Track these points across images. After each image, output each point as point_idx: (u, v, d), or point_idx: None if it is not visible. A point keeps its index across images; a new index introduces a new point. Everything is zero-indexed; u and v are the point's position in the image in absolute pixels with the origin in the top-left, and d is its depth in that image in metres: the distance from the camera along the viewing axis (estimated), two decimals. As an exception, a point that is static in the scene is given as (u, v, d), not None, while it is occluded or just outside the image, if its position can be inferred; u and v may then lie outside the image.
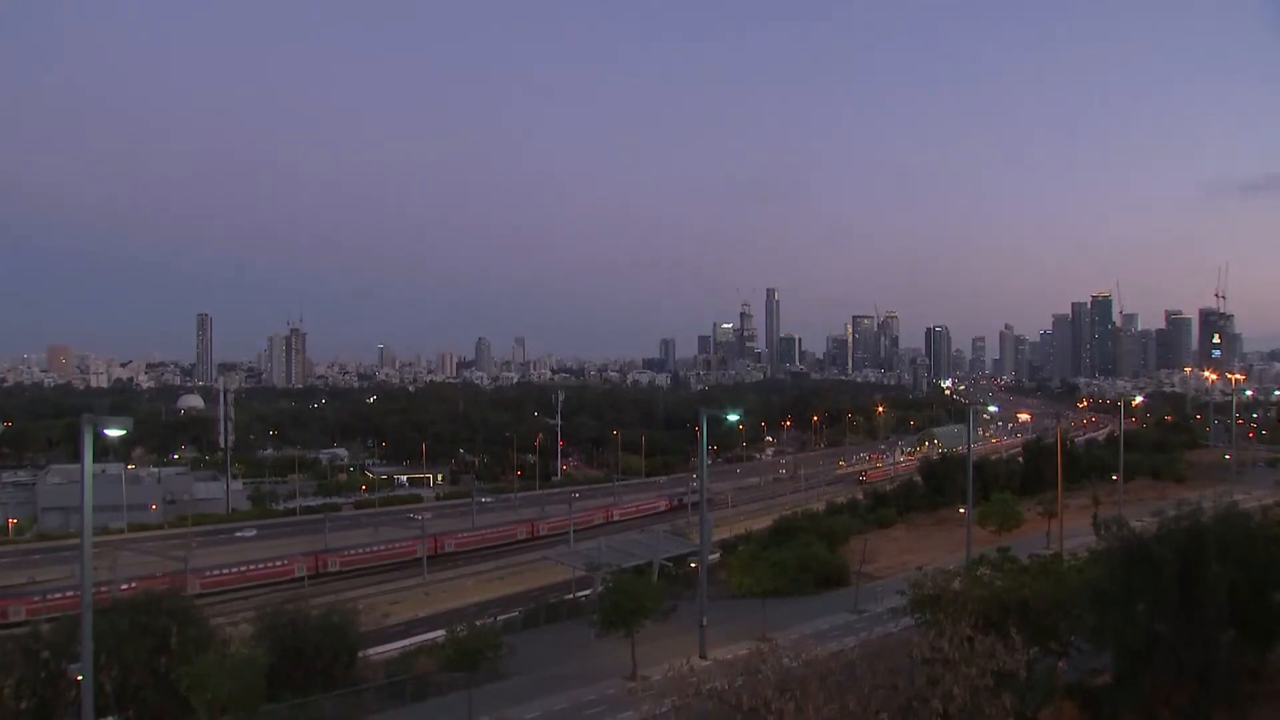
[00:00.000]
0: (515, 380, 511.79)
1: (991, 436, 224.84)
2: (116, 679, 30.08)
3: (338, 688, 35.56)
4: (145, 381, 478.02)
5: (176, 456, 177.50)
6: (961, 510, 65.07)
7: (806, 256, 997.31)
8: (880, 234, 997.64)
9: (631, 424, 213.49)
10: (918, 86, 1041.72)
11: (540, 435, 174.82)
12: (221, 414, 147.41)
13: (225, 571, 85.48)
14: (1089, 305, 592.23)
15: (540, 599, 72.59)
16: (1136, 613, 22.88)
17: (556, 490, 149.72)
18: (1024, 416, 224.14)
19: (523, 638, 48.68)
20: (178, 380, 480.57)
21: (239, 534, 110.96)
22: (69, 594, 76.98)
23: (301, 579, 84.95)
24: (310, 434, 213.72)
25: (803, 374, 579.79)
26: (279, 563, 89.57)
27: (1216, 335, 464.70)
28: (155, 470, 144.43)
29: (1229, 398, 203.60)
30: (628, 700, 25.01)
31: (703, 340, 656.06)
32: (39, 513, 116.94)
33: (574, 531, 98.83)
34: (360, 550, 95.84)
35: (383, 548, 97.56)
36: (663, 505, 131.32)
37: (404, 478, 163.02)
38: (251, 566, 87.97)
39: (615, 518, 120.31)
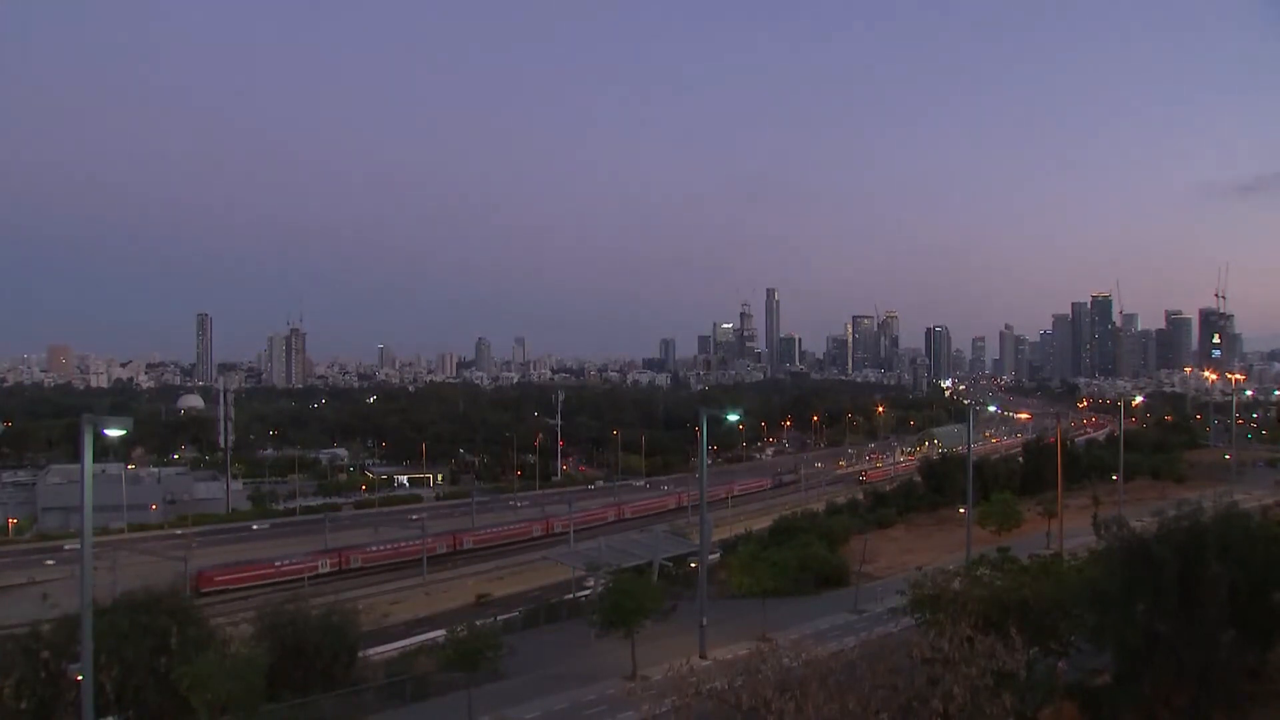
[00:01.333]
0: (515, 380, 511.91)
1: (992, 436, 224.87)
2: (116, 679, 29.99)
3: (338, 688, 35.49)
4: (145, 381, 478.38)
5: (176, 456, 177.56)
6: (961, 510, 65.07)
7: (806, 256, 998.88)
8: (880, 234, 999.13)
9: (631, 424, 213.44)
10: (917, 87, 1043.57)
11: (540, 435, 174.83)
12: (221, 414, 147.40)
13: (492, 530, 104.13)
14: (1089, 305, 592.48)
15: (540, 599, 72.63)
16: (1136, 613, 22.85)
17: (673, 476, 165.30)
18: (1023, 416, 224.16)
19: (523, 638, 48.65)
20: (178, 380, 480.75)
21: (254, 526, 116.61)
22: (399, 544, 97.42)
23: (540, 537, 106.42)
24: (310, 434, 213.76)
25: (803, 374, 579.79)
26: (524, 524, 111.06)
27: (1216, 335, 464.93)
28: (155, 470, 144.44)
29: (1229, 398, 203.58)
30: (628, 700, 24.95)
31: (703, 340, 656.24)
32: (39, 513, 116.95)
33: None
34: (578, 514, 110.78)
35: (592, 513, 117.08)
36: (768, 483, 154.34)
37: (404, 478, 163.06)
38: (507, 527, 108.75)
39: (736, 492, 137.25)
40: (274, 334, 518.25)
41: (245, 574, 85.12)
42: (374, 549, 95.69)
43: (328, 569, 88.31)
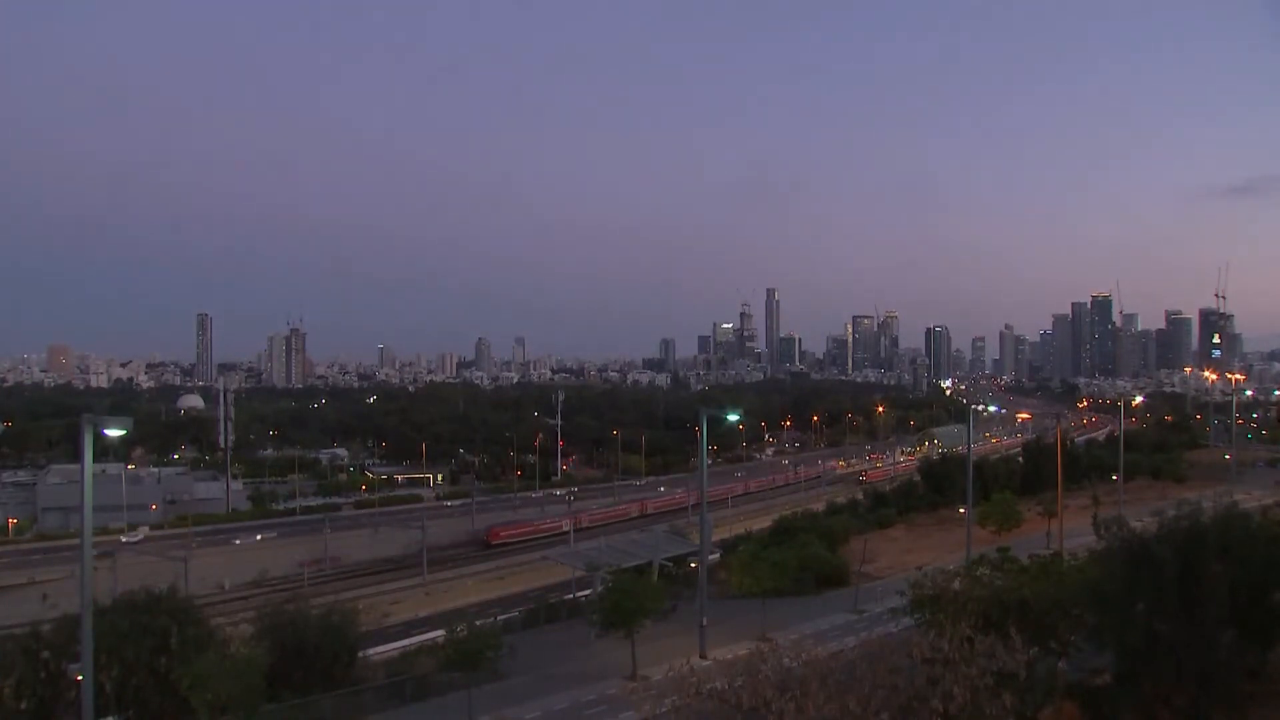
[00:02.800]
0: (515, 380, 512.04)
1: (991, 437, 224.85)
2: (116, 679, 30.01)
3: (338, 688, 35.44)
4: (145, 381, 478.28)
5: (176, 456, 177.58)
6: (961, 510, 65.08)
7: (806, 256, 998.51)
8: (880, 234, 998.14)
9: (631, 424, 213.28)
10: (917, 86, 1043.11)
11: (540, 435, 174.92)
12: (221, 414, 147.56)
13: (661, 499, 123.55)
14: (1089, 305, 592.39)
15: (540, 599, 72.68)
16: (1136, 613, 22.82)
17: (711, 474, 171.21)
18: (1023, 416, 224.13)
19: (523, 638, 48.60)
20: (178, 380, 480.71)
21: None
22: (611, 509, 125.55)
23: (687, 508, 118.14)
24: (310, 434, 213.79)
25: (803, 374, 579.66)
26: (676, 496, 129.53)
27: (1216, 335, 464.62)
28: (155, 470, 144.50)
29: (1229, 398, 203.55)
30: (628, 700, 24.96)
31: (703, 340, 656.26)
32: (39, 513, 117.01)
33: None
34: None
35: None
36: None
37: (404, 478, 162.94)
38: (653, 499, 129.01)
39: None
40: (274, 334, 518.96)
41: (519, 530, 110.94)
42: (597, 512, 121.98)
43: (568, 528, 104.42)
